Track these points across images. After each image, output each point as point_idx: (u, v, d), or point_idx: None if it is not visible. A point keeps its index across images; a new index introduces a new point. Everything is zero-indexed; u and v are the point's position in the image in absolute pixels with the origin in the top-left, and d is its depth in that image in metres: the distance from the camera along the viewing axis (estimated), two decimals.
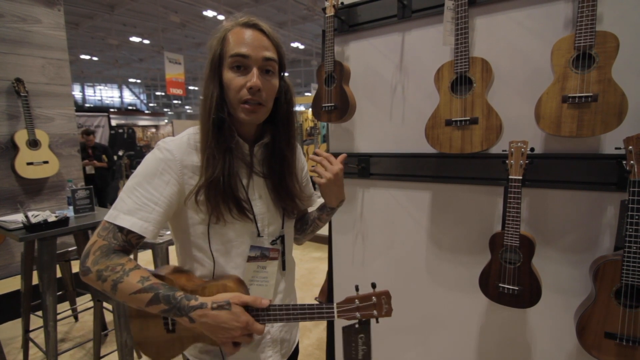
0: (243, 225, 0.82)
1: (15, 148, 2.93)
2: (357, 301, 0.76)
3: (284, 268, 0.91)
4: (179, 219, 0.81)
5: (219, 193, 0.76)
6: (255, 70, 0.75)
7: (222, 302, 0.70)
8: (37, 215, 2.07)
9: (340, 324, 1.72)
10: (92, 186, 2.51)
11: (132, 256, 0.78)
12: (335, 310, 0.75)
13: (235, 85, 0.75)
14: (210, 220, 0.78)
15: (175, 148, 0.77)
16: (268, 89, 0.77)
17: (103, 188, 5.10)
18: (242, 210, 0.79)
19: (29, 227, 1.95)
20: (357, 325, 0.76)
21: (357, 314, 0.76)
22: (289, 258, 0.93)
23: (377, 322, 0.78)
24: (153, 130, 13.31)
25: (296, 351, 1.01)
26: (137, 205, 0.72)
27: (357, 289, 0.78)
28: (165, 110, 24.52)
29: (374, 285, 0.77)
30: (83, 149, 4.69)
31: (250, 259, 0.84)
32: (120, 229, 0.72)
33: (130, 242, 0.73)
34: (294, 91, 0.88)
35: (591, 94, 0.93)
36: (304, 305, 0.76)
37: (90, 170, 4.90)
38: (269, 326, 0.88)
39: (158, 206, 0.74)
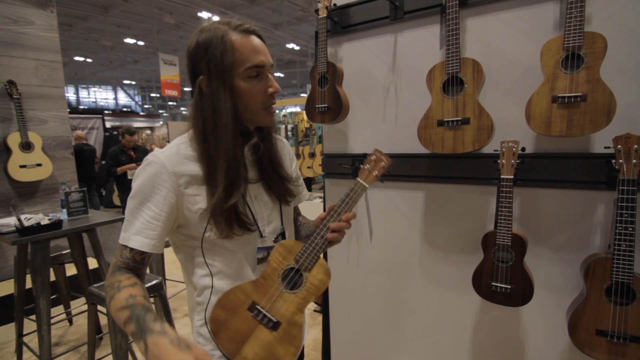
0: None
1: (8, 151, 2.91)
2: (367, 166, 0.85)
3: None
4: (186, 232, 0.81)
5: (230, 216, 0.76)
6: (270, 76, 0.79)
7: (181, 344, 0.60)
8: (30, 218, 2.05)
9: (336, 325, 1.72)
10: (85, 189, 2.50)
11: (139, 274, 0.78)
12: (362, 182, 0.84)
13: (257, 92, 0.78)
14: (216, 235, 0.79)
15: (166, 160, 0.76)
16: None
17: None
18: (244, 226, 0.79)
19: (22, 230, 1.94)
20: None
21: (375, 172, 0.85)
22: None
23: (388, 172, 0.86)
24: (148, 132, 13.23)
25: (302, 353, 1.03)
26: (142, 225, 0.75)
27: (361, 162, 0.88)
28: (161, 111, 24.42)
29: (366, 155, 0.89)
30: (121, 151, 4.30)
31: (259, 261, 0.86)
32: (124, 246, 0.75)
33: (139, 260, 0.77)
34: None
35: (580, 94, 0.94)
36: (343, 198, 0.82)
37: (132, 174, 4.25)
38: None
39: (160, 222, 0.76)
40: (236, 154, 0.78)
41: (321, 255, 0.81)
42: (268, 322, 0.76)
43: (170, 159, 0.77)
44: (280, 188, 0.89)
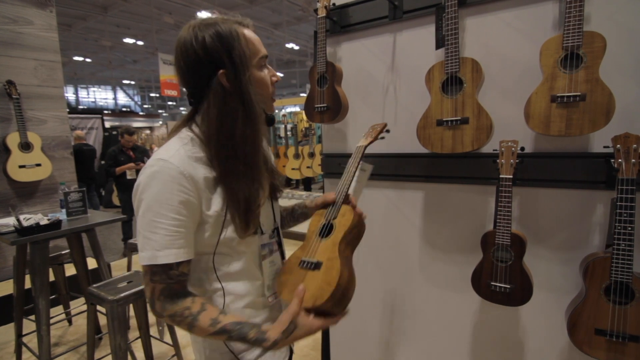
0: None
1: (7, 151, 2.90)
2: (364, 135, 1.03)
3: (283, 257, 0.93)
4: (200, 237, 0.77)
5: (252, 219, 0.78)
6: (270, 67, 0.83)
7: (290, 329, 0.72)
8: (29, 218, 2.05)
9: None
10: (85, 189, 2.50)
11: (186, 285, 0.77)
12: (360, 144, 0.98)
13: (267, 82, 0.81)
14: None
15: (180, 164, 0.70)
16: None
17: None
18: (256, 225, 0.81)
19: (21, 230, 1.94)
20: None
21: (370, 137, 1.00)
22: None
23: (385, 135, 1.04)
24: (148, 132, 13.24)
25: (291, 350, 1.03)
26: (168, 236, 0.69)
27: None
28: (160, 111, 24.40)
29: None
30: (120, 151, 4.28)
31: (263, 257, 0.87)
32: (169, 266, 0.70)
33: (183, 273, 0.73)
34: None
35: (579, 94, 0.94)
36: (349, 161, 0.95)
37: (131, 175, 4.22)
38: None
39: (186, 228, 0.71)
40: (258, 148, 0.79)
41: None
42: (311, 265, 0.84)
43: (183, 162, 0.71)
44: (274, 178, 0.90)
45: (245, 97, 0.74)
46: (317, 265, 0.83)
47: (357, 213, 0.88)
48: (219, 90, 0.74)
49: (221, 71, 0.73)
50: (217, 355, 0.83)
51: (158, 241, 0.69)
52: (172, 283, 0.71)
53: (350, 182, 0.94)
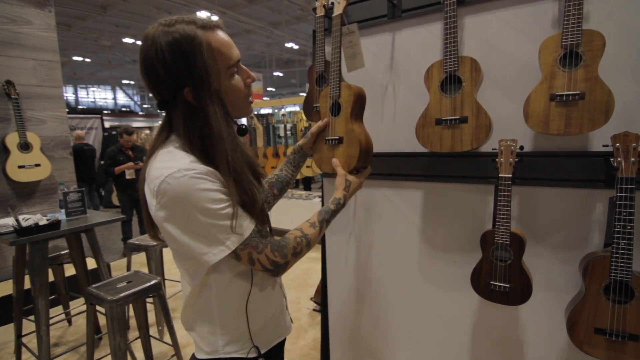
0: None
1: (6, 151, 2.91)
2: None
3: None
4: None
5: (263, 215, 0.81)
6: (244, 67, 0.80)
7: (347, 185, 1.00)
8: (28, 218, 2.05)
9: (335, 325, 1.72)
10: (84, 189, 2.50)
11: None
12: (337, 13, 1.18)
13: (240, 87, 0.78)
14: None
15: (200, 167, 0.69)
16: None
17: None
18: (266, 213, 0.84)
19: (20, 230, 1.94)
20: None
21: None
22: None
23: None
24: (147, 131, 13.22)
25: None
26: (227, 219, 0.70)
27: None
28: (160, 111, 24.35)
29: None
30: (119, 151, 4.27)
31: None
32: (256, 231, 0.75)
33: (266, 230, 0.80)
34: None
35: (578, 92, 0.94)
36: (334, 35, 1.15)
37: (130, 174, 4.25)
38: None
39: (234, 206, 0.71)
40: (237, 157, 0.75)
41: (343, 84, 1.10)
42: (335, 142, 1.09)
43: (200, 165, 0.70)
44: (257, 172, 0.90)
45: (207, 117, 0.71)
46: (340, 141, 1.07)
47: (354, 89, 1.07)
48: (185, 109, 0.71)
49: (186, 89, 0.70)
50: (238, 339, 0.83)
51: (228, 224, 0.70)
52: (267, 240, 0.76)
53: (340, 55, 1.08)
